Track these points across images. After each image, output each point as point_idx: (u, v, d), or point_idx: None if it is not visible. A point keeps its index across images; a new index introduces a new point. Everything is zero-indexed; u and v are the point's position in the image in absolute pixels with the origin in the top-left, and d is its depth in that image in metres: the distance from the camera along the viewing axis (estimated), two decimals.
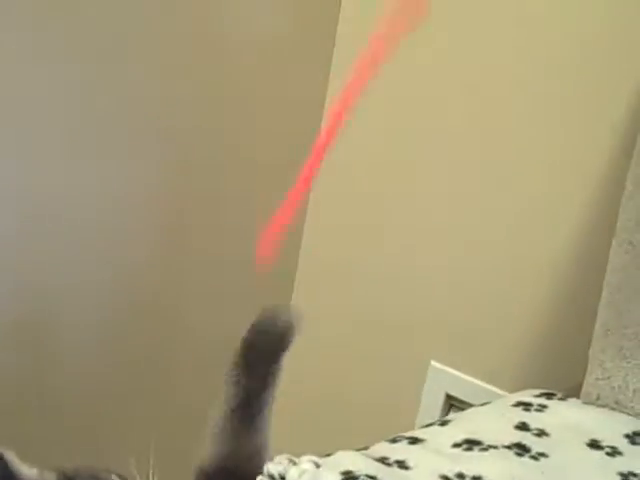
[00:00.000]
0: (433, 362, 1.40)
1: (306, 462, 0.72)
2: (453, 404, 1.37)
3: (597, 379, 1.04)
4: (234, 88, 1.39)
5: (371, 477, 0.67)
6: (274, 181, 1.30)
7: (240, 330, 0.72)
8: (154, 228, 1.36)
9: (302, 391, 1.43)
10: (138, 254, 1.33)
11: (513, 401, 1.00)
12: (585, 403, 1.02)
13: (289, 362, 0.71)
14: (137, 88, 1.27)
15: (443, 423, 0.91)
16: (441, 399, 1.37)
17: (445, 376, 1.37)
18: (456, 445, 0.84)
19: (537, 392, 1.04)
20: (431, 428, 0.90)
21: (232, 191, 1.44)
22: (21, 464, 0.68)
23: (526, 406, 0.98)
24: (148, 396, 1.39)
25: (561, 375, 1.17)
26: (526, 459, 0.83)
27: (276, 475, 0.72)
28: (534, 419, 0.94)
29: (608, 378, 1.03)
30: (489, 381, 1.33)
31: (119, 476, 0.72)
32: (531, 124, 1.28)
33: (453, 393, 1.36)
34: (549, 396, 1.02)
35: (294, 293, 1.56)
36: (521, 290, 1.31)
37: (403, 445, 0.82)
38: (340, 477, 0.67)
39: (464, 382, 1.35)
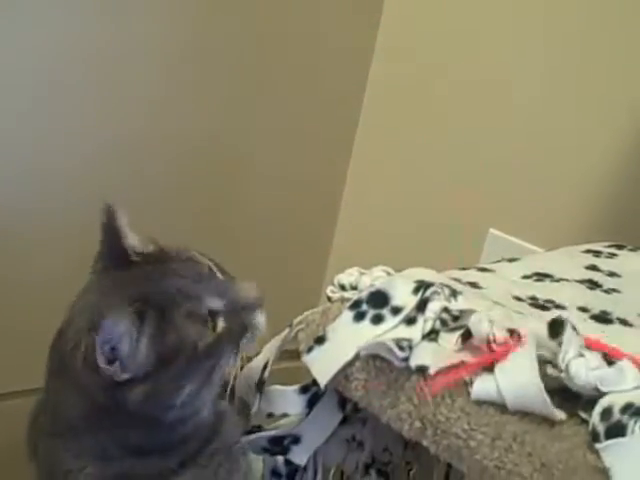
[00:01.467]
0: (492, 230, 1.37)
1: (378, 271, 0.71)
2: None
3: None
4: None
5: (446, 285, 0.65)
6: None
7: None
8: None
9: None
10: None
11: (582, 248, 0.98)
12: None
13: None
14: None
15: (510, 260, 0.89)
16: None
17: (503, 242, 1.35)
18: (526, 277, 0.82)
19: (606, 243, 1.01)
20: (499, 263, 0.88)
21: None
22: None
23: (596, 253, 0.96)
24: None
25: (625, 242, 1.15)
26: (598, 292, 0.81)
27: (347, 285, 0.71)
28: (605, 263, 0.91)
29: None
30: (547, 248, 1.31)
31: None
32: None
33: None
34: (619, 247, 1.00)
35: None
36: (578, 159, 1.27)
37: (473, 272, 0.81)
38: (414, 284, 0.65)
39: (522, 249, 1.33)
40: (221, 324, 0.70)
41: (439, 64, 1.44)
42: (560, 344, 0.55)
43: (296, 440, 0.73)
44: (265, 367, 0.72)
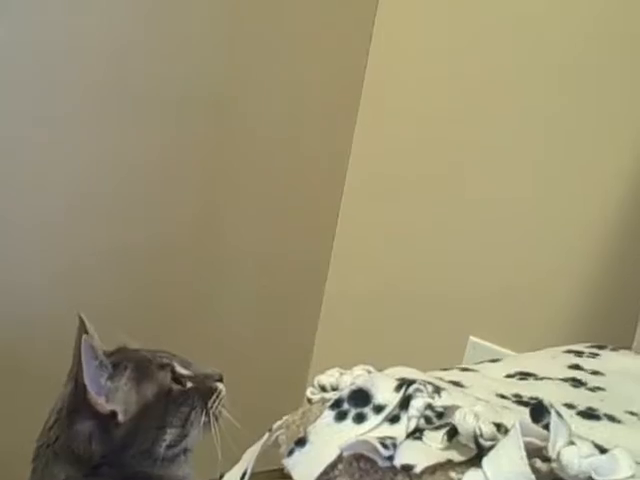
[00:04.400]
0: (472, 337, 1.37)
1: (359, 370, 0.69)
2: None
3: None
4: None
5: (428, 382, 0.64)
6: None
7: None
8: None
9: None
10: None
11: (564, 349, 0.97)
12: (638, 354, 0.98)
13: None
14: None
15: (493, 361, 0.88)
16: None
17: (483, 349, 1.34)
18: (509, 376, 0.81)
19: (587, 344, 1.00)
20: (481, 364, 0.86)
21: None
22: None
23: (578, 353, 0.95)
24: None
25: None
26: (583, 390, 0.79)
27: (327, 386, 0.70)
28: (587, 362, 0.90)
29: None
30: None
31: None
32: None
33: None
34: (600, 347, 0.99)
35: (329, 271, 1.55)
36: (559, 265, 1.28)
37: (456, 372, 0.79)
38: (396, 382, 0.64)
39: (502, 355, 1.31)
40: (189, 385, 0.84)
41: (419, 174, 1.47)
42: (547, 427, 0.53)
43: None
44: (244, 476, 0.69)
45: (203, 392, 0.84)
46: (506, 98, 1.35)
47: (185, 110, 1.36)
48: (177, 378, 0.84)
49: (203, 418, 0.83)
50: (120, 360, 0.83)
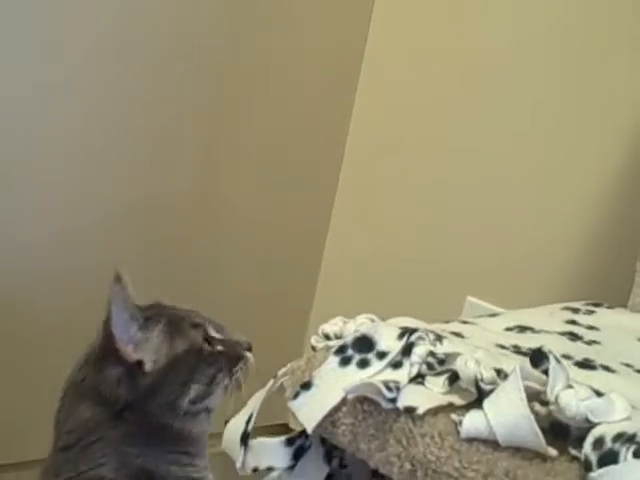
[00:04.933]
0: (469, 297, 1.38)
1: (362, 318, 0.71)
2: None
3: None
4: None
5: (430, 331, 0.66)
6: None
7: None
8: None
9: None
10: None
11: (561, 306, 0.98)
12: (632, 311, 1.00)
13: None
14: None
15: (492, 315, 0.90)
16: None
17: (480, 309, 1.36)
18: (508, 329, 0.83)
19: (584, 302, 1.02)
20: (480, 318, 0.88)
21: None
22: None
23: (574, 310, 0.97)
24: None
25: None
26: (579, 343, 0.81)
27: (331, 334, 0.71)
28: (583, 319, 0.92)
29: None
30: None
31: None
32: None
33: None
34: (596, 305, 1.01)
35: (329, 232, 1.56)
36: (556, 226, 1.29)
37: (456, 324, 0.81)
38: (398, 330, 0.65)
39: None
40: (219, 347, 0.86)
41: (419, 136, 1.47)
42: (546, 373, 0.55)
43: None
44: (249, 420, 0.71)
45: (231, 357, 0.86)
46: (506, 54, 1.35)
47: (187, 68, 1.36)
48: (208, 339, 0.87)
49: (227, 382, 0.85)
50: (153, 314, 0.85)
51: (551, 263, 1.27)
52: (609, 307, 1.00)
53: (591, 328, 0.88)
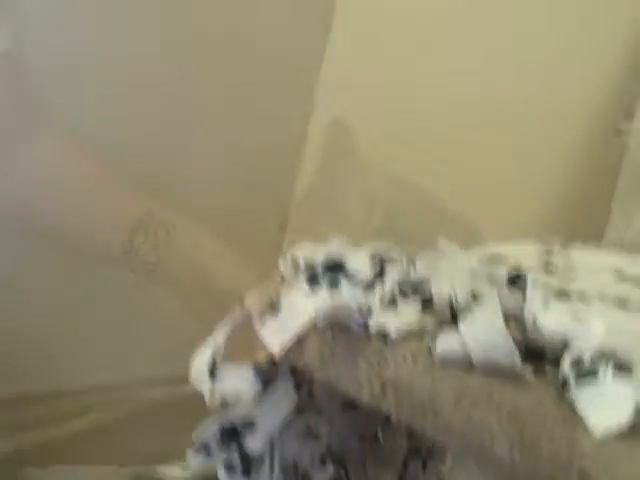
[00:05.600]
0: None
1: (333, 243, 0.69)
2: None
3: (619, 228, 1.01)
4: None
5: (403, 254, 0.64)
6: None
7: None
8: None
9: None
10: None
11: (534, 241, 0.97)
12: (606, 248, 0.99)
13: None
14: None
15: (462, 249, 0.88)
16: None
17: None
18: (481, 260, 0.81)
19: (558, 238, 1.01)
20: (450, 250, 0.86)
21: None
22: None
23: (548, 246, 0.95)
24: None
25: None
26: (554, 275, 0.80)
27: (300, 259, 0.69)
28: (558, 254, 0.91)
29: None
30: None
31: None
32: None
33: None
34: (570, 242, 1.00)
35: None
36: (532, 165, 1.27)
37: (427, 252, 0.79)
38: (370, 252, 0.64)
39: None
40: None
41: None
42: (523, 293, 0.53)
43: (250, 426, 0.69)
44: (217, 350, 0.68)
45: None
46: None
47: None
48: None
49: None
50: None
51: (528, 202, 1.26)
52: (583, 244, 0.99)
53: (566, 264, 0.86)
